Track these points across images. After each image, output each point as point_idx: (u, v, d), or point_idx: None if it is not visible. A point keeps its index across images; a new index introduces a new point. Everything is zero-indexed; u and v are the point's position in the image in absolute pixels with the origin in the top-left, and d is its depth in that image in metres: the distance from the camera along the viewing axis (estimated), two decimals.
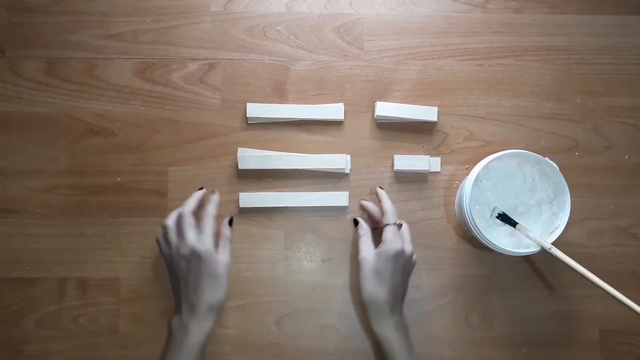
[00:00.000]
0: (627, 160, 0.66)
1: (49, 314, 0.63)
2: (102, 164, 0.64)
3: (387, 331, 0.56)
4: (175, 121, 0.65)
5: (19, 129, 0.65)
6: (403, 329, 0.57)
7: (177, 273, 0.57)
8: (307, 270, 0.64)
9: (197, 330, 0.55)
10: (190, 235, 0.56)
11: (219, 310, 0.56)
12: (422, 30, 0.66)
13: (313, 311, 0.63)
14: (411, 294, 0.64)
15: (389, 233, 0.57)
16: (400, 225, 0.58)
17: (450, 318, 0.64)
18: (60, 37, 0.66)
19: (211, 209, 0.58)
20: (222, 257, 0.57)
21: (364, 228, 0.60)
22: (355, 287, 0.64)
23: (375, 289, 0.56)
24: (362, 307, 0.57)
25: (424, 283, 0.64)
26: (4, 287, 0.63)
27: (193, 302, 0.55)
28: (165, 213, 0.64)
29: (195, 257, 0.55)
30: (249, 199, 0.64)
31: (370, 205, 0.62)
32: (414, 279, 0.64)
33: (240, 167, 0.64)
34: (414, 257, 0.59)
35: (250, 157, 0.64)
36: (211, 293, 0.55)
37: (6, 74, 0.65)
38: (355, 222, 0.61)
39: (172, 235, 0.57)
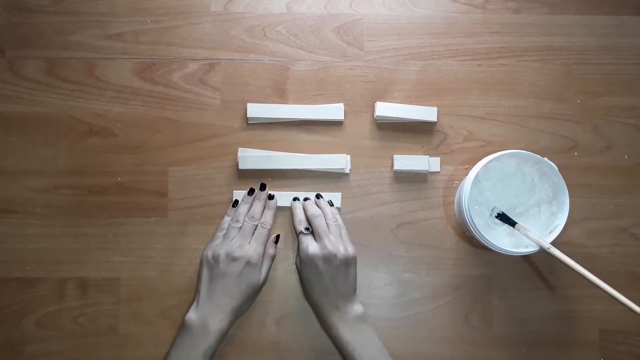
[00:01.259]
0: (626, 160, 0.66)
1: (49, 314, 0.63)
2: (102, 164, 0.64)
3: (332, 328, 0.57)
4: (175, 121, 0.65)
5: (19, 129, 0.65)
6: (352, 321, 0.56)
7: (216, 270, 0.57)
8: None
9: (218, 330, 0.55)
10: (251, 241, 0.59)
11: (238, 317, 0.58)
12: (422, 30, 0.66)
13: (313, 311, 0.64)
14: (411, 293, 0.64)
15: (299, 242, 0.59)
16: (307, 229, 0.59)
17: (450, 318, 0.64)
18: (60, 37, 0.66)
19: (269, 219, 0.61)
20: (263, 273, 0.60)
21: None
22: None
23: (308, 294, 0.59)
24: None
25: (424, 283, 0.64)
26: (4, 287, 0.63)
27: (220, 303, 0.56)
28: (165, 213, 0.64)
29: (247, 264, 0.57)
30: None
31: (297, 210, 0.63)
32: (413, 279, 0.64)
33: (241, 167, 0.64)
34: (341, 253, 0.57)
35: (251, 157, 0.64)
36: (244, 301, 0.57)
37: (6, 74, 0.65)
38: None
39: (232, 232, 0.59)
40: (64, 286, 0.63)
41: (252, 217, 0.61)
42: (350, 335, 0.56)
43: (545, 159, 0.58)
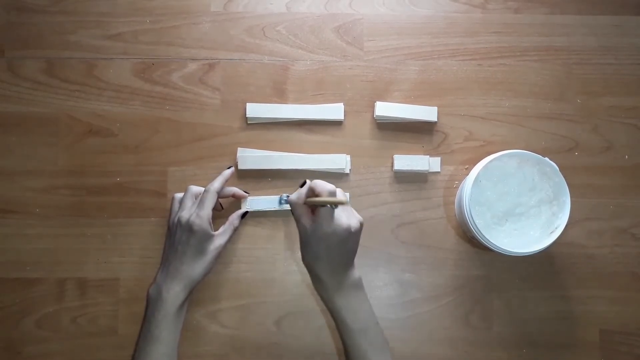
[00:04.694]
0: (627, 160, 0.66)
1: (49, 315, 0.63)
2: (101, 164, 0.64)
3: (328, 292, 0.54)
4: (174, 121, 0.65)
5: (19, 129, 0.65)
6: (348, 286, 0.55)
7: (170, 240, 0.60)
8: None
9: (170, 297, 0.56)
10: (188, 207, 0.59)
11: (194, 285, 0.58)
12: (422, 30, 0.66)
13: (313, 311, 0.63)
14: (411, 294, 0.64)
15: (323, 213, 0.53)
16: (335, 205, 0.53)
17: (450, 318, 0.64)
18: (60, 37, 0.65)
19: (216, 184, 0.60)
20: (218, 239, 0.60)
21: (302, 195, 0.55)
22: None
23: (312, 260, 0.54)
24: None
25: (424, 283, 0.64)
26: (3, 287, 0.63)
27: (172, 270, 0.58)
28: (164, 213, 0.64)
29: (188, 228, 0.57)
30: (253, 203, 0.64)
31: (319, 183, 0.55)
32: (414, 279, 0.64)
33: (240, 167, 0.64)
34: (354, 225, 0.53)
35: (250, 157, 0.64)
36: (192, 266, 0.58)
37: (5, 74, 0.65)
38: (303, 184, 0.56)
39: (176, 204, 0.61)
40: (64, 286, 0.63)
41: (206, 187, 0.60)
42: (345, 301, 0.55)
43: (546, 159, 0.58)
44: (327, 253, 0.53)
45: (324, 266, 0.54)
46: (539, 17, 0.67)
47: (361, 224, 0.55)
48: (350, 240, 0.54)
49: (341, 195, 0.55)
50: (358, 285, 0.56)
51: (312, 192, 0.54)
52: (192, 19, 0.66)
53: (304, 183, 0.56)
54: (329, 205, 0.53)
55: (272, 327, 0.63)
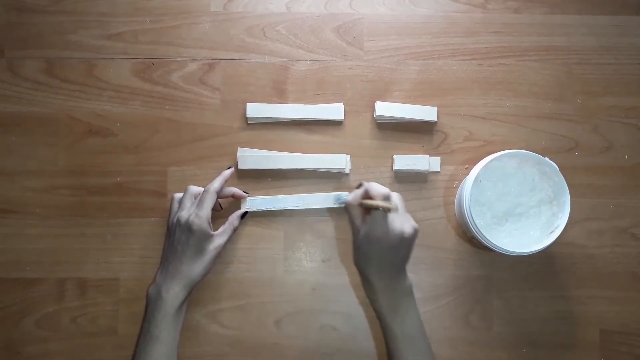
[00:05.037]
0: (627, 160, 0.66)
1: (49, 315, 0.63)
2: (101, 164, 0.64)
3: (377, 295, 0.54)
4: (174, 121, 0.65)
5: (19, 129, 0.65)
6: (397, 292, 0.55)
7: (169, 240, 0.59)
8: (307, 270, 0.64)
9: (170, 297, 0.56)
10: (187, 207, 0.59)
11: (193, 285, 0.58)
12: (422, 30, 0.66)
13: (313, 311, 0.63)
14: None
15: (375, 217, 0.53)
16: (388, 210, 0.53)
17: (450, 318, 0.64)
18: (60, 37, 0.65)
19: (215, 184, 0.60)
20: (218, 239, 0.60)
21: (358, 196, 0.56)
22: (355, 286, 0.64)
23: (362, 262, 0.55)
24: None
25: (424, 283, 0.64)
26: (3, 287, 0.63)
27: (171, 270, 0.58)
28: (164, 213, 0.64)
29: (187, 228, 0.57)
30: (253, 203, 0.63)
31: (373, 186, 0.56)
32: (414, 279, 0.63)
33: (240, 167, 0.64)
34: (407, 231, 0.53)
35: (250, 157, 0.64)
36: (191, 266, 0.58)
37: (5, 74, 0.65)
38: (360, 185, 0.57)
39: (175, 204, 0.60)
40: (64, 286, 0.63)
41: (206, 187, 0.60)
42: (393, 306, 0.54)
43: (546, 158, 0.58)
44: (378, 256, 0.54)
45: (374, 269, 0.54)
46: (539, 17, 0.67)
47: (416, 231, 0.54)
48: (402, 245, 0.54)
49: (396, 199, 0.55)
50: (408, 292, 0.56)
51: (367, 194, 0.55)
52: (192, 19, 0.66)
53: (360, 185, 0.57)
54: (381, 209, 0.53)
55: (272, 327, 0.63)
